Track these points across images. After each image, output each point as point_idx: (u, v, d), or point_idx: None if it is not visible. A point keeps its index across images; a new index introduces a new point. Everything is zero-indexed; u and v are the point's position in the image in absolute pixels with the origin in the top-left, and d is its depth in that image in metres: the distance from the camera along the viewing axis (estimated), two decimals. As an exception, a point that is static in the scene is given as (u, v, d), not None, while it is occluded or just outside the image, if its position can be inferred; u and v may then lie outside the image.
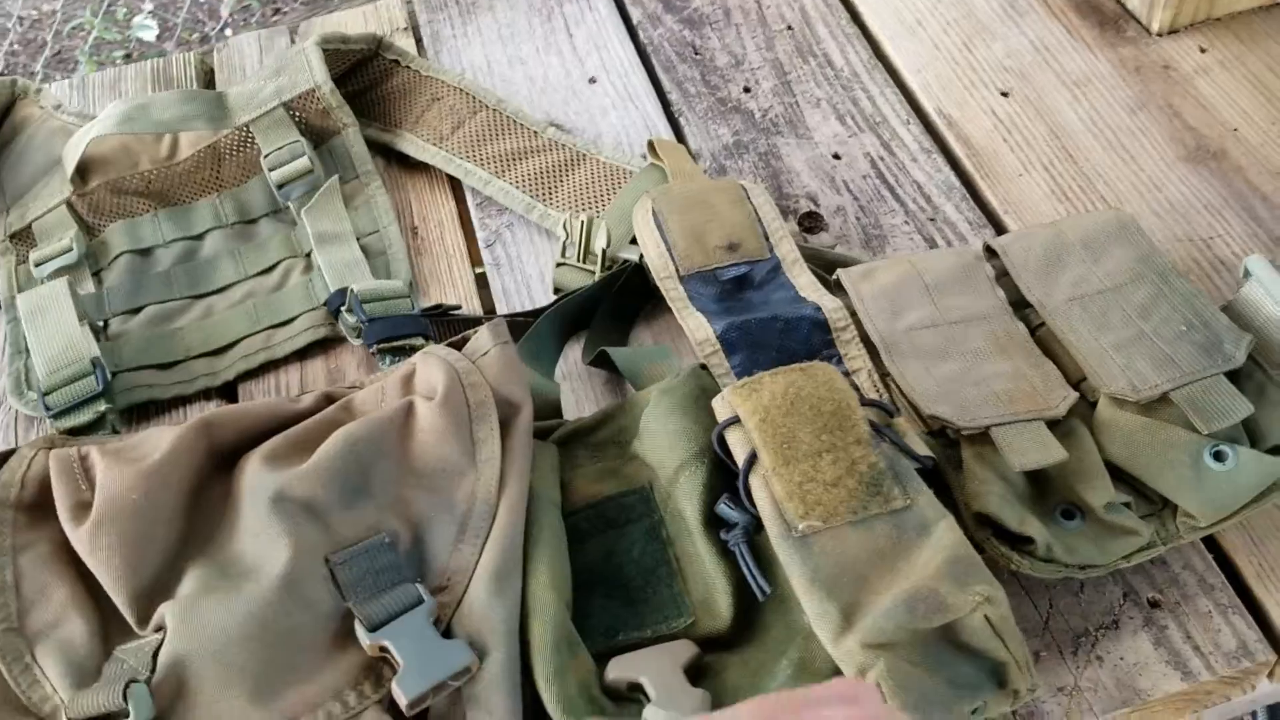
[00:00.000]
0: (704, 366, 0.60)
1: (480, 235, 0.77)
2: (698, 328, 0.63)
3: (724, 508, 0.53)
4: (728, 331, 0.63)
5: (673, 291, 0.65)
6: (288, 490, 0.52)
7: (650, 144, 0.75)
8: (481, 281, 0.75)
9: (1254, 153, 0.74)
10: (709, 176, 0.78)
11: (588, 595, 0.54)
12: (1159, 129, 0.76)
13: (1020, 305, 0.63)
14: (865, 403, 0.55)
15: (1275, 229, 0.69)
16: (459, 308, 0.71)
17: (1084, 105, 0.78)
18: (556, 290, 0.71)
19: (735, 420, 0.53)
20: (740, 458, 0.53)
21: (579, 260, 0.71)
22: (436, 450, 0.55)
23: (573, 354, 0.69)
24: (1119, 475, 0.56)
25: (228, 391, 0.70)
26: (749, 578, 0.51)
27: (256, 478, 0.54)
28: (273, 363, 0.71)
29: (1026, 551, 0.53)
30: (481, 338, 0.59)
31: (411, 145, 0.81)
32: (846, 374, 0.62)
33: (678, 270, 0.66)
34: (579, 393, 0.67)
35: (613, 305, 0.69)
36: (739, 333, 0.63)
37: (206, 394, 0.70)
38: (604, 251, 0.70)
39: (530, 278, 0.73)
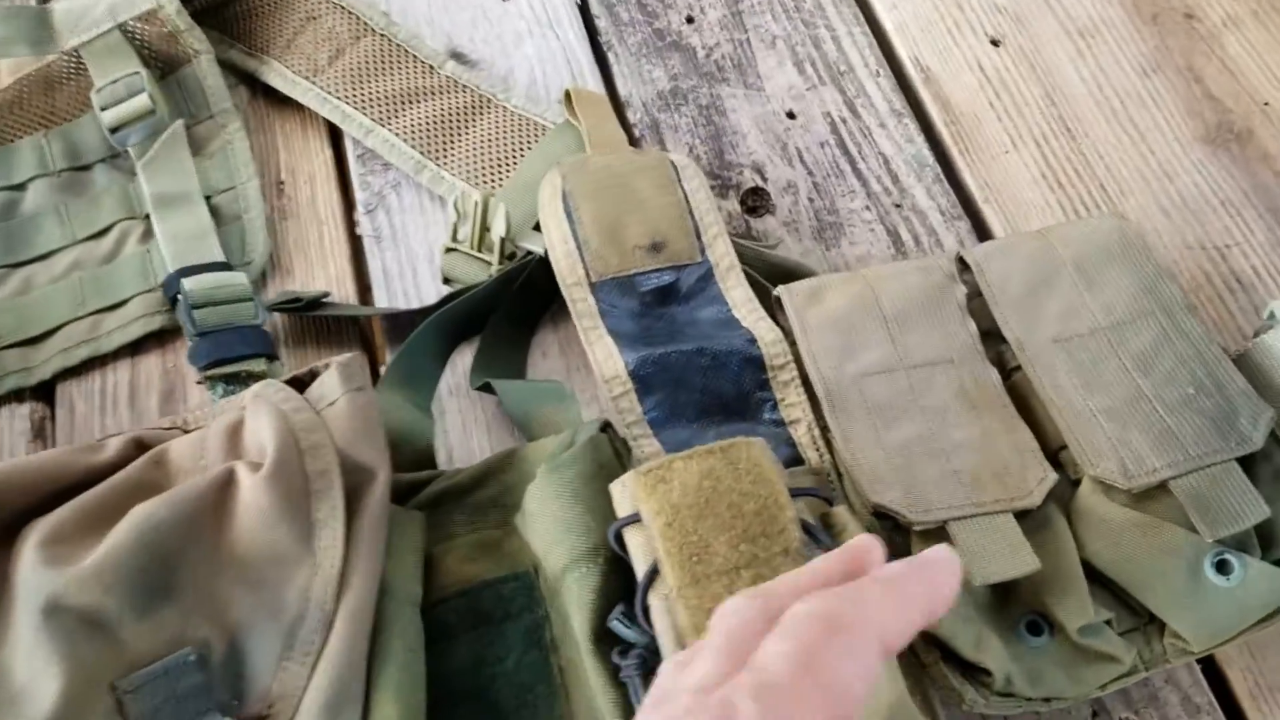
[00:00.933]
0: (606, 427, 0.48)
1: (360, 197, 0.63)
2: (606, 359, 0.51)
3: (618, 623, 0.42)
4: (643, 366, 0.51)
5: (581, 303, 0.53)
6: (64, 598, 0.41)
7: (567, 94, 0.61)
8: (361, 254, 0.62)
9: (1285, 135, 0.61)
10: (641, 141, 0.64)
11: (448, 716, 0.44)
12: (1175, 98, 0.63)
13: (994, 334, 0.52)
14: (795, 493, 0.44)
15: (1303, 238, 0.58)
16: (326, 295, 0.58)
17: (1088, 62, 0.65)
18: (446, 280, 0.58)
19: (637, 518, 0.42)
20: (640, 569, 0.42)
21: (473, 247, 0.58)
22: (263, 535, 0.43)
23: (463, 363, 0.57)
24: (1097, 577, 0.46)
25: (44, 392, 0.58)
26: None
27: (31, 573, 0.42)
28: (99, 358, 0.58)
29: (982, 683, 0.44)
30: (328, 382, 0.46)
31: (280, 77, 0.66)
32: (780, 424, 0.51)
33: (588, 275, 0.54)
34: (466, 417, 0.55)
35: (511, 308, 0.56)
36: (656, 369, 0.51)
37: (19, 395, 0.57)
38: (502, 240, 0.57)
39: (417, 257, 0.61)
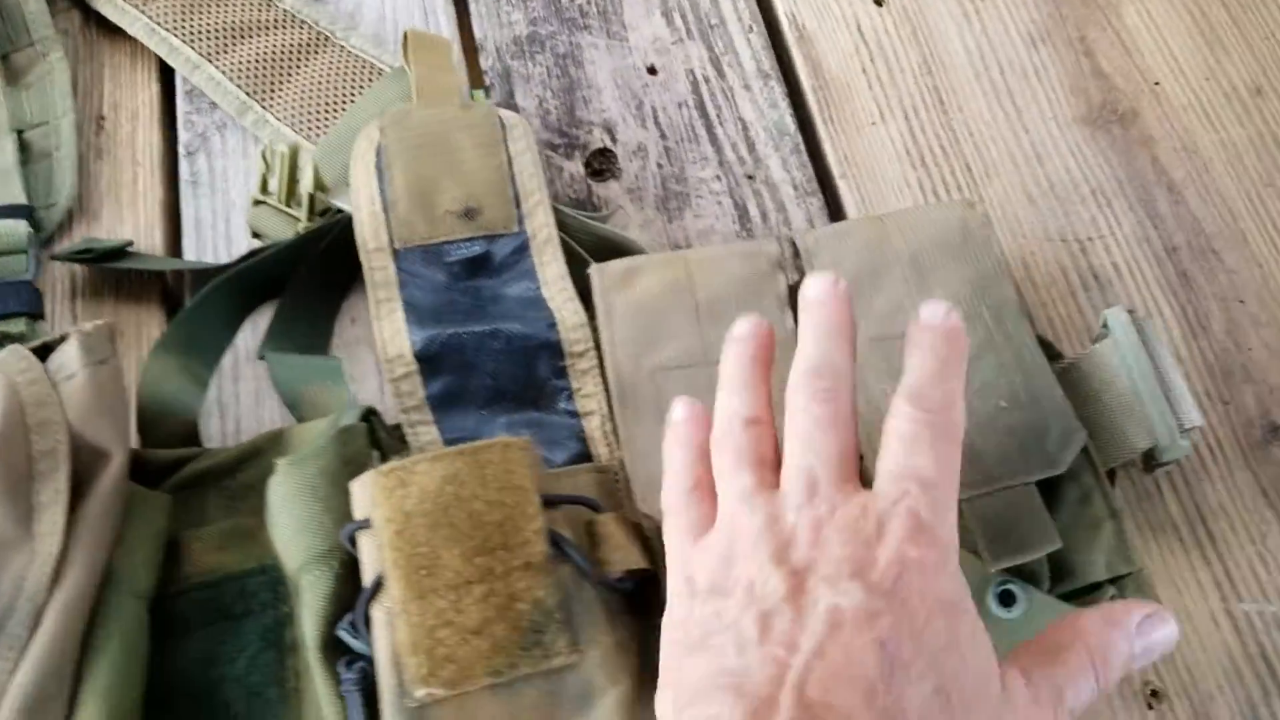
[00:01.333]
0: (369, 414, 0.44)
1: (183, 138, 0.59)
2: (392, 337, 0.47)
3: (345, 633, 0.39)
4: (430, 347, 0.47)
5: (380, 272, 0.49)
6: None
7: (405, 37, 0.56)
8: (178, 201, 0.58)
9: (1173, 119, 0.56)
10: (491, 91, 0.60)
11: (168, 718, 0.41)
12: (1061, 72, 0.58)
13: None
14: (555, 500, 0.41)
15: (1174, 235, 0.53)
16: (129, 245, 0.54)
17: (974, 27, 0.60)
18: (256, 235, 0.54)
19: (369, 523, 0.39)
20: (367, 578, 0.39)
21: (282, 201, 0.54)
22: (-23, 517, 0.40)
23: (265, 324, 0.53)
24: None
25: None
26: (362, 735, 0.39)
27: None
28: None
29: None
30: (68, 353, 0.43)
31: (109, 4, 0.61)
32: (575, 415, 0.48)
33: (392, 241, 0.50)
34: (262, 385, 0.51)
35: (317, 270, 0.53)
36: (445, 350, 0.47)
37: None
38: (312, 196, 0.53)
39: (234, 207, 0.56)
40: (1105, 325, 0.45)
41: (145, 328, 0.53)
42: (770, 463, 0.37)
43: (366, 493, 0.39)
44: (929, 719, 0.31)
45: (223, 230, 0.56)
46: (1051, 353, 0.48)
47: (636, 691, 0.39)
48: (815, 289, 0.39)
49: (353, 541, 0.40)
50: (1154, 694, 0.45)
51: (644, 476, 0.43)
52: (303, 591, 0.41)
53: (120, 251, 0.54)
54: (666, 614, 0.37)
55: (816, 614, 0.32)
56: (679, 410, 0.41)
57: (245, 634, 0.42)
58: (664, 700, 0.35)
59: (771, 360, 0.40)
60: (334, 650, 0.40)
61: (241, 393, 0.51)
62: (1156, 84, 0.57)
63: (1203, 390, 0.50)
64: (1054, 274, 0.53)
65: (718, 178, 0.56)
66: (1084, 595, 0.42)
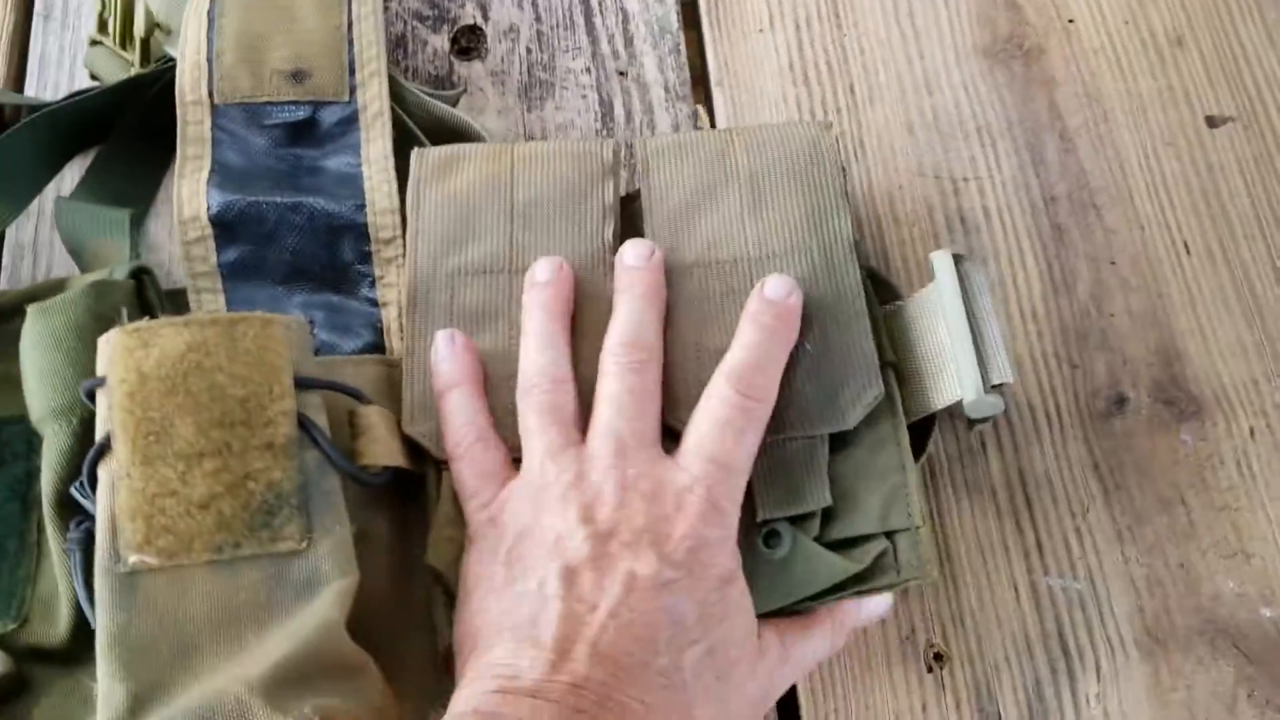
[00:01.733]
0: (140, 272, 0.42)
1: (38, 6, 0.56)
2: (190, 198, 0.45)
3: (76, 491, 0.38)
4: (227, 212, 0.44)
5: (193, 127, 0.46)
6: None
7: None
8: (29, 34, 0.54)
9: (1080, 61, 0.52)
10: None
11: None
12: (971, -2, 0.54)
13: None
14: (314, 384, 0.38)
15: (1055, 184, 0.50)
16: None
17: (889, -61, 0.55)
18: (93, 78, 0.51)
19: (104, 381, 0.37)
20: (98, 437, 0.37)
21: (116, 43, 0.50)
22: None
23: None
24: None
25: None
26: (80, 597, 0.37)
27: None
28: None
29: None
30: None
31: None
32: (375, 305, 0.45)
33: (211, 95, 0.47)
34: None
35: (141, 119, 0.50)
36: (244, 217, 0.44)
37: None
38: (145, 41, 0.50)
39: (81, 46, 0.53)
40: (932, 272, 0.42)
41: (-28, 161, 0.50)
42: (573, 421, 0.39)
43: (107, 350, 0.37)
44: (701, 674, 0.35)
45: (68, 69, 0.53)
46: (890, 293, 0.45)
47: (369, 586, 0.37)
48: (632, 256, 0.42)
49: (91, 398, 0.38)
50: (937, 656, 0.43)
51: (418, 392, 0.41)
52: (45, 441, 0.39)
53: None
54: (470, 549, 0.38)
55: (615, 576, 0.35)
56: (447, 363, 0.41)
57: (-7, 484, 0.41)
58: (466, 633, 0.37)
59: (570, 308, 0.42)
60: (68, 508, 0.38)
61: (56, 238, 0.49)
62: (1070, 21, 0.53)
63: (1052, 351, 0.47)
64: (919, 212, 0.49)
65: (587, 70, 0.53)
66: (856, 544, 0.40)
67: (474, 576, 0.37)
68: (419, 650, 0.39)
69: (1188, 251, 0.49)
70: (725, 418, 0.38)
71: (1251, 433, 0.46)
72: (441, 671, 0.39)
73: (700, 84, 0.53)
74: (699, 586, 0.36)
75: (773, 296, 0.41)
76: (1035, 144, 0.51)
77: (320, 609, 0.35)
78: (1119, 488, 0.45)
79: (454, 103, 0.50)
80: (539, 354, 0.40)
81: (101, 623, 0.35)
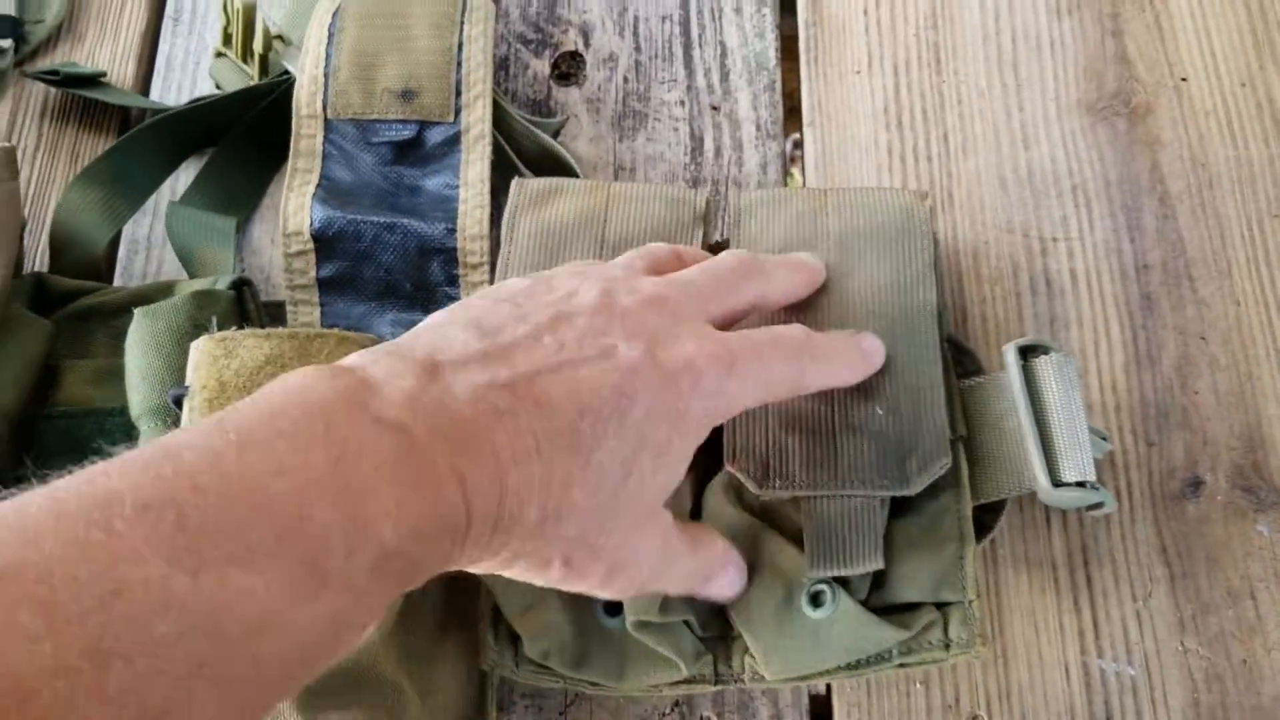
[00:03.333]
0: (240, 284, 0.42)
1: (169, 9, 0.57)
2: (296, 212, 0.45)
3: (157, 494, 0.39)
4: (328, 228, 0.45)
5: (306, 140, 0.47)
6: None
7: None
8: (159, 35, 0.56)
9: (1190, 121, 0.49)
10: None
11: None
12: (1080, 50, 0.50)
13: None
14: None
15: (1149, 251, 0.47)
16: (102, 76, 0.53)
17: (1000, -16, 0.52)
18: (218, 88, 0.52)
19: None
20: (179, 443, 0.38)
21: (238, 56, 0.51)
22: None
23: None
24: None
25: None
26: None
27: None
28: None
29: (524, 656, 0.39)
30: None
31: None
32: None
33: (326, 110, 0.47)
34: (186, 232, 0.50)
35: (254, 128, 0.50)
36: (343, 234, 0.45)
37: None
38: (264, 56, 0.50)
39: (206, 50, 0.54)
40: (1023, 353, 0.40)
41: (99, 156, 0.52)
42: (658, 268, 0.38)
43: (195, 356, 0.38)
44: (604, 473, 0.31)
45: (191, 73, 0.54)
46: (972, 364, 0.43)
47: (414, 604, 0.37)
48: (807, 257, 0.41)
49: (179, 404, 0.39)
50: (977, 725, 0.41)
51: None
52: (140, 441, 0.40)
53: (89, 80, 0.53)
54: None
55: (597, 342, 0.32)
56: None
57: (89, 471, 0.42)
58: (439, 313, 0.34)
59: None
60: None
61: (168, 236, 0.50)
62: (1183, 80, 0.49)
63: (1129, 426, 0.44)
64: (1004, 270, 0.47)
65: (681, 102, 0.51)
66: (903, 612, 0.38)
67: (465, 302, 0.35)
68: (459, 672, 0.40)
69: (1286, 333, 0.45)
70: (756, 342, 0.35)
71: (1336, 530, 0.42)
72: (482, 694, 0.39)
73: (793, 117, 0.52)
74: (660, 406, 0.32)
75: (865, 345, 0.39)
76: (1132, 207, 0.47)
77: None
78: (1185, 575, 0.42)
79: (556, 131, 0.50)
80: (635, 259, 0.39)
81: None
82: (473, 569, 0.31)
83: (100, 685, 0.20)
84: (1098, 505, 0.40)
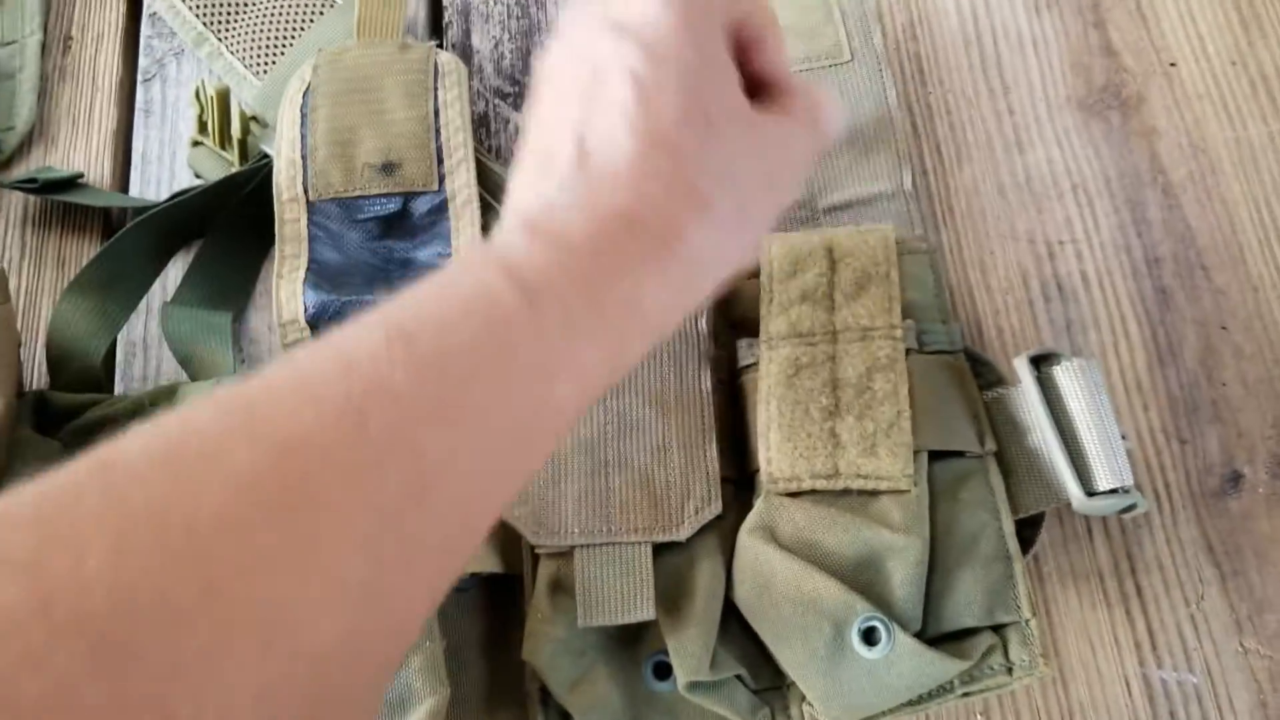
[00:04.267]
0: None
1: (142, 63, 0.55)
2: (289, 300, 0.44)
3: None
4: (323, 313, 0.43)
5: (290, 225, 0.45)
6: None
7: (359, -35, 0.51)
8: (131, 129, 0.54)
9: (1184, 108, 0.47)
10: (448, 29, 0.54)
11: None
12: (1064, 45, 0.49)
13: (748, 323, 0.42)
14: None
15: (1159, 245, 0.45)
16: (79, 177, 0.51)
17: (974, -13, 0.51)
18: (198, 177, 0.51)
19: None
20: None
21: (216, 143, 0.49)
22: None
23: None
24: (749, 625, 0.38)
25: None
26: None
27: None
28: None
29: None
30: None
31: (79, -82, 0.57)
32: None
33: (307, 192, 0.45)
34: (181, 328, 0.49)
35: (238, 217, 0.49)
36: (339, 317, 0.43)
37: None
38: (243, 140, 0.48)
39: (180, 140, 0.53)
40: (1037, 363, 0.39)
41: (88, 259, 0.50)
42: None
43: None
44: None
45: (168, 164, 0.52)
46: (990, 376, 0.41)
47: (464, 694, 0.36)
48: None
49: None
50: (1043, 754, 0.39)
51: None
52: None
53: (68, 183, 0.51)
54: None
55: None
56: None
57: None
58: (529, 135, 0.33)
59: None
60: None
61: (163, 335, 0.49)
62: (1172, 65, 0.48)
63: (1159, 426, 0.43)
64: (1013, 279, 0.45)
65: (667, 143, 0.50)
66: (959, 639, 0.36)
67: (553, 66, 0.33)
68: (511, 758, 0.38)
69: (1308, 313, 0.43)
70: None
71: (1384, 511, 0.41)
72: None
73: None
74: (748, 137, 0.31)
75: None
76: (1136, 201, 0.46)
77: (420, 727, 0.34)
78: (1236, 573, 0.41)
79: (535, 187, 0.48)
80: None
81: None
82: None
83: None
84: (1131, 507, 0.39)
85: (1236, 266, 0.44)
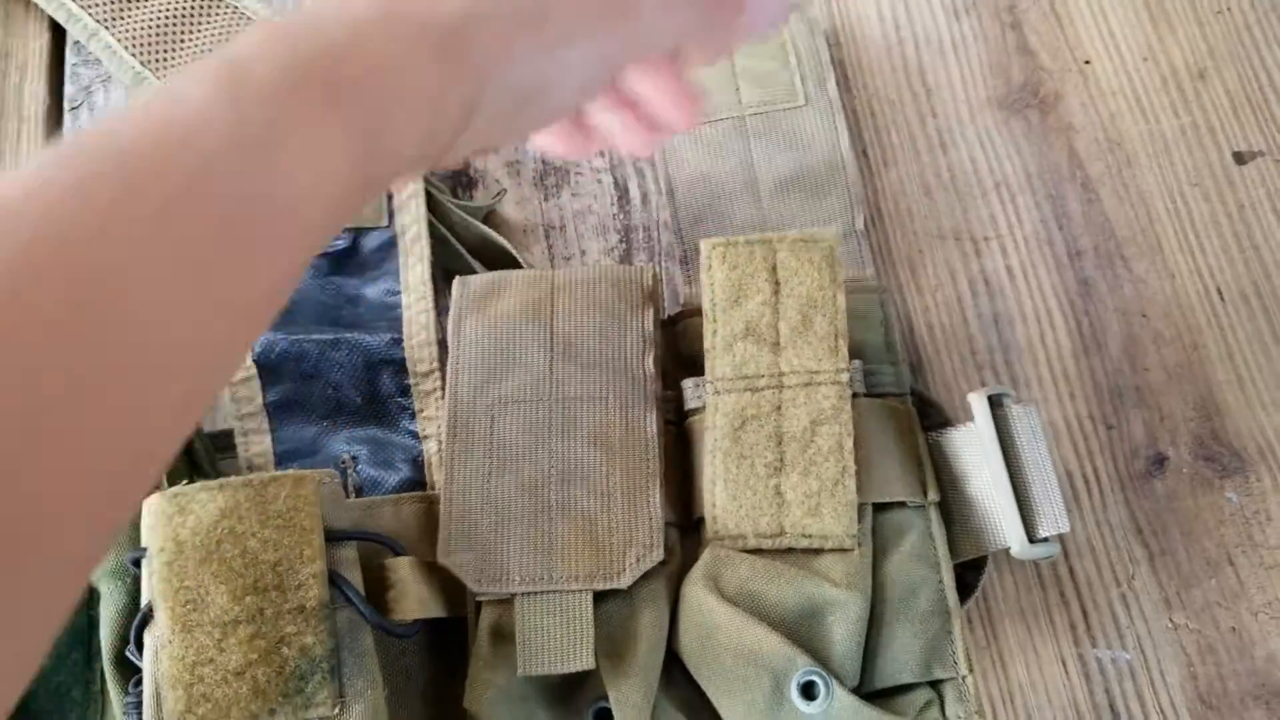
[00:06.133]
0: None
1: (68, 91, 0.54)
2: (230, 334, 0.43)
3: (131, 654, 0.36)
4: (270, 352, 0.42)
5: (229, 257, 0.44)
6: None
7: (286, -9, 0.50)
8: (64, 160, 0.53)
9: (1099, 104, 0.48)
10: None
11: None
12: (982, 47, 0.50)
13: (699, 359, 0.41)
14: (350, 536, 0.37)
15: (1080, 237, 0.46)
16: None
17: (895, -8, 0.51)
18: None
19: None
20: (143, 603, 0.35)
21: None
22: None
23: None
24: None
25: None
26: (141, 758, 0.36)
27: None
28: None
29: None
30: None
31: (-1, -52, 0.56)
32: (416, 438, 0.43)
33: (249, 225, 0.45)
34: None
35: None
36: (286, 357, 0.42)
37: None
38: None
39: (113, 169, 0.52)
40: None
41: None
42: None
43: (149, 517, 0.36)
44: None
45: (100, 193, 0.51)
46: (938, 416, 0.42)
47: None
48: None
49: (138, 565, 0.36)
50: (988, 735, 0.40)
51: (456, 522, 0.39)
52: (101, 602, 0.38)
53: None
54: None
55: None
56: None
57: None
58: None
59: None
60: (127, 666, 0.37)
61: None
62: (1087, 63, 0.49)
63: (1086, 413, 0.44)
64: (941, 277, 0.46)
65: (601, 153, 0.50)
66: (897, 694, 0.37)
67: None
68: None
69: (1221, 298, 0.45)
70: None
71: (1299, 485, 0.42)
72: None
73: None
74: None
75: None
76: (1056, 196, 0.47)
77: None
78: (1164, 551, 0.42)
79: (486, 214, 0.48)
80: None
81: (150, 791, 0.33)
82: None
83: None
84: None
85: (1154, 255, 0.46)
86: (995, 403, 0.39)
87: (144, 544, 0.36)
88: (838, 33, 0.50)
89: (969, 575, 0.40)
